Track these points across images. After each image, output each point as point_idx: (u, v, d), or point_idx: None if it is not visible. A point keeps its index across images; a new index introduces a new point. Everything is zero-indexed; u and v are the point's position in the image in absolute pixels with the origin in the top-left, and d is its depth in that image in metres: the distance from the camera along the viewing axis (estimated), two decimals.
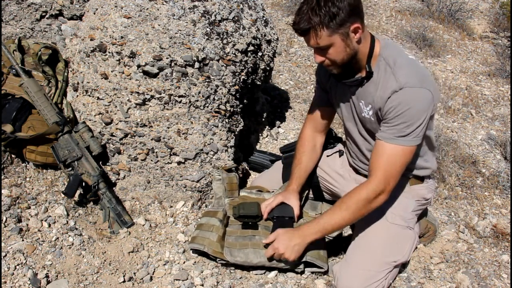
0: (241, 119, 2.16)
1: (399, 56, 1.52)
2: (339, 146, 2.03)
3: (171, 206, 2.03)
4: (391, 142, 1.52)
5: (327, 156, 2.01)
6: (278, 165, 2.14)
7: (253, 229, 1.78)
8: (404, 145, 1.51)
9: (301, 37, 1.49)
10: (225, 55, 1.93)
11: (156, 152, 1.95)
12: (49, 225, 1.74)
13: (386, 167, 1.54)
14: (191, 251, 1.81)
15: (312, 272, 1.75)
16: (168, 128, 1.92)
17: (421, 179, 1.80)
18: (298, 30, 1.43)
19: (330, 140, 2.09)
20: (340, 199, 1.62)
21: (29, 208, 1.78)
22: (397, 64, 1.50)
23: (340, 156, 1.98)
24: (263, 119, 2.65)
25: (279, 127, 2.82)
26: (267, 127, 2.71)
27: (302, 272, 1.74)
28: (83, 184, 1.90)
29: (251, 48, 2.06)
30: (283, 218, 1.77)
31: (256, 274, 1.74)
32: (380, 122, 1.58)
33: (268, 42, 2.31)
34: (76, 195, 1.91)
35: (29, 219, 1.73)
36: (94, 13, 1.97)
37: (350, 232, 2.03)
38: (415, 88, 1.46)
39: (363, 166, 1.82)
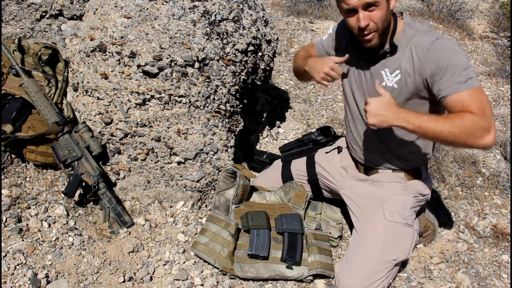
0: (241, 119, 2.16)
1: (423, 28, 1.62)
2: (338, 143, 2.03)
3: (171, 206, 2.03)
4: (464, 88, 1.44)
5: (326, 153, 2.01)
6: (277, 164, 2.14)
7: None
8: (475, 85, 1.45)
9: None
10: (225, 55, 1.93)
11: (156, 152, 1.95)
12: (49, 225, 1.74)
13: (478, 104, 1.43)
14: (191, 251, 1.81)
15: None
16: (168, 128, 1.92)
17: (418, 174, 1.81)
18: None
19: (329, 138, 2.09)
20: (446, 115, 1.51)
21: (29, 208, 1.78)
22: (423, 30, 1.58)
23: (338, 152, 1.98)
24: (263, 119, 2.65)
25: (279, 127, 2.82)
26: (267, 127, 2.71)
27: (311, 281, 1.74)
28: (83, 184, 1.90)
29: (251, 48, 2.06)
30: (295, 235, 1.77)
31: None
32: (408, 88, 1.59)
33: (268, 42, 2.31)
34: (76, 195, 1.91)
35: (29, 219, 1.73)
36: (94, 13, 1.97)
37: (350, 232, 2.03)
38: (450, 40, 1.55)
39: (360, 143, 1.83)
